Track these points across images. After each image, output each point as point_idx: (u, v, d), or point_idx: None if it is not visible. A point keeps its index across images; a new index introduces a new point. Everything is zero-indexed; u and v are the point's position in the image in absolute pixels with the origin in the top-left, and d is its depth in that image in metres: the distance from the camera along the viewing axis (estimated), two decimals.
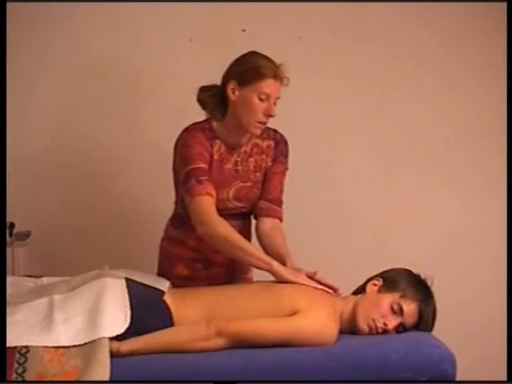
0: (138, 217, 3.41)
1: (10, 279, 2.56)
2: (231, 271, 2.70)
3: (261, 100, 2.49)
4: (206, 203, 2.47)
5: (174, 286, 2.54)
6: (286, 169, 2.72)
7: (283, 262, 2.49)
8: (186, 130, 2.59)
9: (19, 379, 2.05)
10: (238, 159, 2.62)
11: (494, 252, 3.40)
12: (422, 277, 2.44)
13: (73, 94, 3.41)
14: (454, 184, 3.47)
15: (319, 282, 2.44)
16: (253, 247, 2.50)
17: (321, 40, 3.41)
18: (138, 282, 2.41)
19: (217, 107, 2.58)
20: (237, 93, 2.51)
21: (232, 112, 2.56)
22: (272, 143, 2.68)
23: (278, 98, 2.53)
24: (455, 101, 3.45)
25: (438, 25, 3.43)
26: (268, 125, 2.61)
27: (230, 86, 2.52)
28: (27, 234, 3.23)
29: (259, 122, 2.52)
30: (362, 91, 3.43)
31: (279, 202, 2.70)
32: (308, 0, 3.37)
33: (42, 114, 3.41)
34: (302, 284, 2.40)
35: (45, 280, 2.60)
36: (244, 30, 3.39)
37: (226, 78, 2.55)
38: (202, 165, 2.50)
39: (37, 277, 2.66)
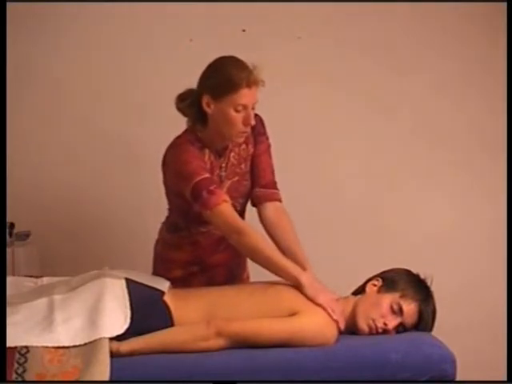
0: (138, 217, 3.41)
1: (9, 279, 2.55)
2: (228, 272, 2.69)
3: (238, 111, 2.41)
4: (226, 212, 2.42)
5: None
6: (269, 146, 2.66)
7: (294, 259, 2.46)
8: (173, 145, 2.53)
9: (19, 379, 2.05)
10: (223, 161, 2.58)
11: (493, 252, 3.40)
12: (422, 277, 2.44)
13: (72, 94, 3.42)
14: (453, 184, 3.48)
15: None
16: (281, 258, 2.42)
17: (321, 40, 3.41)
18: (138, 282, 2.41)
19: (197, 119, 2.51)
20: (212, 106, 2.44)
21: (212, 124, 2.49)
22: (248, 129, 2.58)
23: (256, 102, 2.44)
24: (453, 103, 3.46)
25: (434, 28, 3.44)
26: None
27: (205, 100, 2.44)
28: (27, 234, 3.23)
29: (241, 132, 2.47)
30: (362, 91, 3.43)
31: (274, 184, 2.67)
32: (308, 0, 3.37)
33: (42, 114, 3.41)
34: (320, 306, 2.30)
35: (45, 280, 2.60)
36: (244, 30, 3.40)
37: (200, 90, 2.46)
38: (206, 175, 2.44)
39: (37, 277, 2.65)
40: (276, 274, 2.43)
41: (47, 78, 3.41)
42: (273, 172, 2.67)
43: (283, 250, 2.51)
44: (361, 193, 3.45)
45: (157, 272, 2.69)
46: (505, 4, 3.20)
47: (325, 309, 2.29)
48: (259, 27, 3.39)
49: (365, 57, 3.42)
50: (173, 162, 2.51)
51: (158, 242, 2.74)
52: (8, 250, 3.09)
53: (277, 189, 2.67)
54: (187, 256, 2.64)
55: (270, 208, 2.63)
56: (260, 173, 2.64)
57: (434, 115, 3.46)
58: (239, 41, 3.35)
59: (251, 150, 2.62)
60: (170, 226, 2.68)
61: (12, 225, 3.18)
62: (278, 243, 2.55)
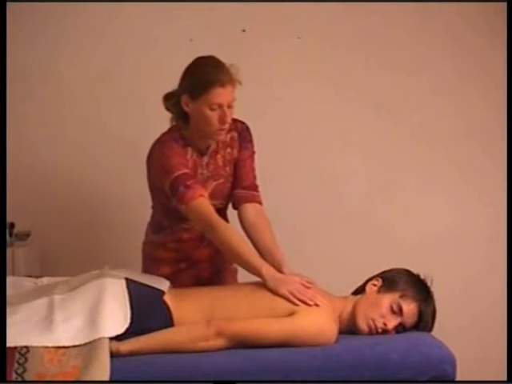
0: (138, 217, 3.41)
1: (9, 279, 2.55)
2: (213, 266, 2.73)
3: (213, 110, 2.47)
4: (201, 207, 2.47)
5: None
6: (253, 152, 2.72)
7: (272, 262, 2.48)
8: (158, 141, 2.60)
9: (19, 379, 2.05)
10: (207, 160, 2.63)
11: (493, 252, 3.40)
12: (422, 277, 2.44)
13: (72, 94, 3.41)
14: (453, 184, 3.47)
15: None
16: (248, 252, 2.46)
17: (321, 40, 3.41)
18: (137, 282, 2.41)
19: (180, 117, 2.58)
20: (190, 106, 2.51)
21: (192, 123, 2.56)
22: (235, 134, 2.67)
23: (232, 101, 2.48)
24: (453, 103, 3.46)
25: (434, 28, 3.44)
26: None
27: (184, 100, 2.51)
28: (27, 234, 3.23)
29: (218, 130, 2.52)
30: (362, 91, 3.43)
31: (255, 187, 2.71)
32: (308, 0, 3.37)
33: (42, 114, 3.41)
34: (283, 297, 2.33)
35: (45, 280, 2.60)
36: (244, 30, 3.39)
37: (180, 91, 2.54)
38: (185, 170, 2.50)
39: (37, 277, 2.66)
40: (243, 268, 2.49)
41: (47, 79, 3.40)
42: (255, 176, 2.72)
43: (260, 250, 2.56)
44: (361, 193, 3.45)
45: (146, 271, 2.73)
46: (505, 4, 3.20)
47: (287, 298, 2.31)
48: (259, 27, 3.39)
49: (365, 57, 3.42)
50: (156, 158, 2.57)
51: (144, 243, 2.80)
52: (8, 250, 3.09)
53: (258, 191, 2.71)
54: (173, 253, 2.69)
55: (249, 209, 2.67)
56: (242, 176, 2.69)
57: (433, 115, 3.46)
58: (239, 41, 3.35)
59: (235, 154, 2.68)
60: (154, 226, 2.74)
61: (12, 225, 3.19)
62: (255, 243, 2.60)
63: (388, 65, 3.43)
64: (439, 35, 3.44)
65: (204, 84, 2.45)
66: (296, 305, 2.31)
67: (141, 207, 3.39)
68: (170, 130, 2.63)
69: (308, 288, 2.37)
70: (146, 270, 2.75)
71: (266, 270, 2.41)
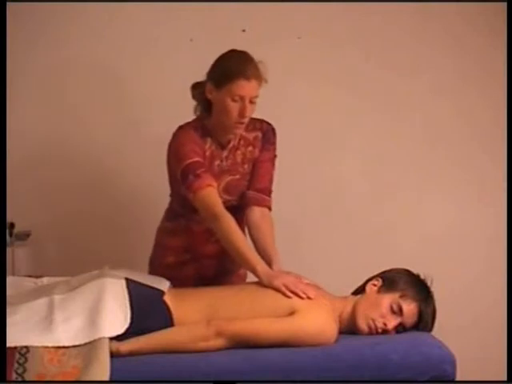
0: (138, 217, 3.41)
1: (10, 279, 2.56)
2: (221, 265, 2.71)
3: (234, 101, 2.49)
4: (208, 197, 2.48)
5: (161, 274, 2.55)
6: (274, 156, 2.73)
7: (269, 262, 2.50)
8: (180, 128, 2.62)
9: (19, 379, 2.05)
10: (227, 154, 2.63)
11: (493, 252, 3.40)
12: (422, 277, 2.44)
13: (72, 94, 3.41)
14: (453, 184, 3.47)
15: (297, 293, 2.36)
16: (246, 248, 2.48)
17: (321, 40, 3.41)
18: (137, 282, 2.41)
19: (203, 106, 2.61)
20: (214, 94, 2.54)
21: (214, 112, 2.58)
22: (259, 134, 2.68)
23: (255, 97, 2.51)
24: (453, 103, 3.46)
25: (434, 28, 3.44)
26: (273, 123, 2.63)
27: (208, 87, 2.54)
28: (27, 234, 3.23)
29: (236, 123, 2.53)
30: (362, 91, 3.43)
31: (268, 192, 2.71)
32: (308, 0, 3.37)
33: (42, 115, 3.41)
34: (278, 290, 2.35)
35: (45, 280, 2.60)
36: (244, 30, 3.39)
37: (207, 79, 2.57)
38: (197, 158, 2.52)
39: (37, 277, 2.66)
40: (238, 262, 2.52)
41: (47, 79, 3.40)
42: (271, 181, 2.72)
43: (259, 251, 2.57)
44: (361, 193, 3.45)
45: (153, 257, 2.77)
46: (505, 4, 3.20)
47: (280, 290, 2.33)
48: (259, 27, 3.39)
49: (365, 57, 3.42)
50: (172, 144, 2.60)
51: (158, 229, 2.80)
52: (8, 250, 3.09)
53: (270, 196, 2.71)
54: (180, 242, 2.69)
55: (257, 212, 2.67)
56: (259, 177, 2.69)
57: (433, 115, 3.46)
58: (239, 41, 3.34)
59: (257, 154, 2.68)
60: (169, 214, 2.74)
61: (12, 225, 3.19)
62: (255, 243, 2.62)
63: (388, 65, 3.43)
64: (439, 35, 3.44)
65: (229, 74, 2.48)
66: (288, 297, 2.32)
67: (141, 207, 3.41)
68: (192, 120, 2.65)
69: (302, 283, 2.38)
70: (154, 256, 2.77)
71: (262, 267, 2.43)
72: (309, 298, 2.32)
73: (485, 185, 3.46)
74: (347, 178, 3.45)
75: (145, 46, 3.39)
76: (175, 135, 2.61)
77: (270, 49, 3.35)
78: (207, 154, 2.59)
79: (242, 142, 2.65)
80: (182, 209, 2.65)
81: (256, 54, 3.27)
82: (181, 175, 2.52)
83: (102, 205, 3.43)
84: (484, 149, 3.46)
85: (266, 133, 2.69)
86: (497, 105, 3.38)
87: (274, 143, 2.71)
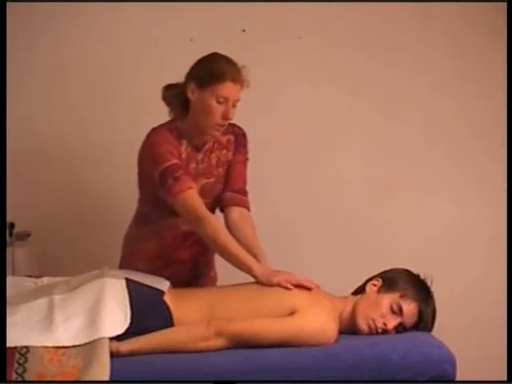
0: None
1: (9, 279, 2.56)
2: (192, 269, 2.70)
3: (219, 103, 2.48)
4: (190, 199, 2.47)
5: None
6: (247, 159, 2.73)
7: (253, 254, 2.49)
8: (153, 129, 2.59)
9: (19, 379, 2.05)
10: (202, 157, 2.62)
11: (493, 252, 3.40)
12: (422, 277, 2.44)
13: (72, 94, 3.41)
14: (453, 184, 3.47)
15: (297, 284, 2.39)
16: (237, 249, 2.47)
17: (321, 40, 3.41)
18: (137, 282, 2.41)
19: (179, 107, 2.58)
20: (196, 94, 2.51)
21: (192, 113, 2.56)
22: (232, 137, 2.68)
23: (237, 100, 2.51)
24: (453, 103, 3.45)
25: (434, 28, 3.44)
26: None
27: (190, 87, 2.52)
28: (27, 234, 3.23)
29: (217, 125, 2.52)
30: (362, 91, 3.43)
31: (244, 192, 2.71)
32: (308, 0, 3.37)
33: (42, 115, 3.41)
34: (279, 286, 2.36)
35: (45, 280, 2.60)
36: (244, 30, 3.39)
37: (187, 79, 2.55)
38: (175, 160, 2.49)
39: (37, 277, 2.66)
40: (232, 264, 2.47)
41: (47, 79, 3.40)
42: (245, 182, 2.73)
43: (241, 246, 2.54)
44: (361, 193, 3.45)
45: (123, 265, 2.70)
46: (505, 4, 3.20)
47: (281, 286, 2.34)
48: (259, 27, 3.39)
49: (365, 57, 3.41)
50: (146, 145, 2.58)
51: (126, 236, 2.76)
52: (8, 250, 3.09)
53: (246, 197, 2.71)
54: (153, 248, 2.65)
55: (235, 212, 2.67)
56: (233, 179, 2.69)
57: (433, 115, 3.46)
58: (239, 41, 3.35)
59: (230, 157, 2.69)
60: (139, 218, 2.70)
61: (12, 225, 3.18)
62: (238, 240, 2.57)
63: (388, 65, 3.43)
64: (439, 35, 3.44)
65: (216, 75, 2.47)
66: (289, 289, 2.33)
67: None
68: (167, 122, 2.62)
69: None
70: (123, 263, 2.71)
71: (257, 267, 2.42)
72: (311, 288, 2.34)
73: (485, 185, 3.46)
74: (347, 178, 3.45)
75: (145, 46, 3.39)
76: (149, 136, 2.57)
77: (270, 49, 3.37)
78: (183, 156, 2.56)
79: (216, 145, 2.65)
80: (155, 212, 2.62)
81: (256, 53, 3.29)
82: (159, 179, 2.48)
83: (103, 205, 3.43)
84: (484, 149, 3.46)
85: (238, 136, 2.69)
86: (497, 105, 3.38)
87: (245, 146, 2.72)
